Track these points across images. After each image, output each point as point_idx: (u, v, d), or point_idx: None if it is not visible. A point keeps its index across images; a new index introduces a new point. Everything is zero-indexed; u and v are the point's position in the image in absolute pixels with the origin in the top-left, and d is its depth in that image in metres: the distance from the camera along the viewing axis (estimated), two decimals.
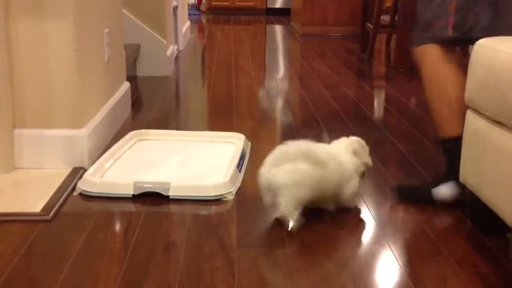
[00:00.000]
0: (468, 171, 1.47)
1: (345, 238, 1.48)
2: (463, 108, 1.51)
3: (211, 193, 1.70)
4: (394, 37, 4.62)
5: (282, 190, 1.46)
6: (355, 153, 1.62)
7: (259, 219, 1.58)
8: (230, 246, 1.42)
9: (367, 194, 1.76)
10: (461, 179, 1.52)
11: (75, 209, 1.63)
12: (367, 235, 1.51)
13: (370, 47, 4.27)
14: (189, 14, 5.93)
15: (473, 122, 1.44)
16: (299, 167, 1.48)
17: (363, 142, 1.67)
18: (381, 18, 4.27)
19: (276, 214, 1.52)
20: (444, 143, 1.67)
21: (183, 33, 4.59)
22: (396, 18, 4.40)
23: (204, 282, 1.26)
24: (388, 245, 1.45)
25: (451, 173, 1.62)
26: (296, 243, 1.45)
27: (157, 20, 3.46)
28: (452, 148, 1.62)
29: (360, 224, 1.57)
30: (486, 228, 1.51)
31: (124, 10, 3.20)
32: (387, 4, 5.77)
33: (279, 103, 2.92)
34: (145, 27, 3.43)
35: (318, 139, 2.31)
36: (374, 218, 1.60)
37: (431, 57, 1.65)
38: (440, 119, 1.66)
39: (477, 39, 1.43)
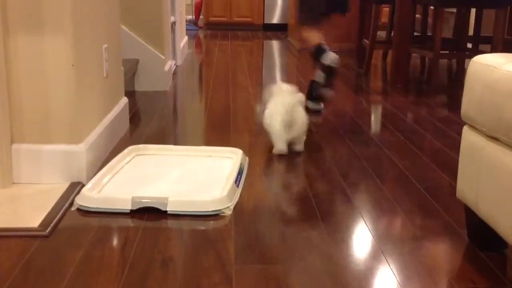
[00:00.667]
0: (464, 186, 1.48)
1: (343, 253, 1.48)
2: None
3: (209, 208, 1.70)
4: (390, 52, 4.66)
5: (299, 125, 2.27)
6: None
7: (257, 234, 1.59)
8: (228, 261, 1.42)
9: (364, 209, 1.77)
10: (458, 194, 1.53)
11: (72, 224, 1.63)
12: (365, 250, 1.51)
13: (367, 63, 4.30)
14: (187, 30, 5.96)
15: (469, 137, 1.45)
16: (304, 113, 2.31)
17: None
18: (377, 34, 4.30)
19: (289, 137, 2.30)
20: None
21: (181, 48, 4.62)
22: (392, 34, 4.44)
23: None
24: (386, 259, 1.45)
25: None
26: (293, 258, 1.45)
27: (155, 36, 3.48)
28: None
29: (358, 239, 1.57)
30: (483, 244, 1.51)
31: (122, 26, 3.22)
32: (383, 20, 5.83)
33: None
34: (143, 42, 3.45)
35: (315, 152, 2.32)
36: (371, 233, 1.60)
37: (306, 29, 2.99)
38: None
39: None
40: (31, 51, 1.81)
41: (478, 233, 1.52)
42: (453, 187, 1.97)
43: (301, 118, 2.29)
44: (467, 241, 1.57)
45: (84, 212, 1.70)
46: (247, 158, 2.20)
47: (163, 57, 3.52)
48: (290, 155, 2.28)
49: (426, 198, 1.88)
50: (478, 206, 1.40)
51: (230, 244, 1.51)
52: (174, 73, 4.15)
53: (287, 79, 4.16)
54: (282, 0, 7.49)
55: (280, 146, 2.28)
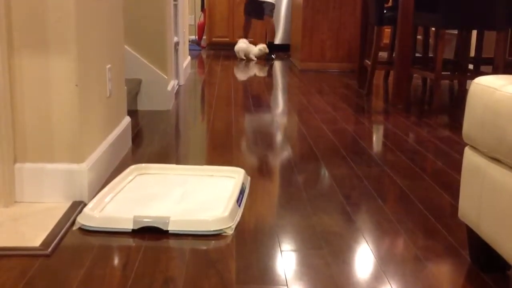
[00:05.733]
0: (466, 208, 1.48)
1: (345, 274, 1.48)
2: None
3: (211, 227, 1.70)
4: (391, 73, 4.68)
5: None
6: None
7: (258, 254, 1.58)
8: (229, 281, 1.42)
9: (366, 230, 1.76)
10: (459, 215, 1.53)
11: (74, 243, 1.63)
12: (367, 271, 1.50)
13: (368, 83, 4.32)
14: (190, 50, 6.00)
15: (471, 158, 1.45)
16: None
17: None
18: (379, 55, 4.33)
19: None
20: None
21: (183, 68, 4.65)
22: (393, 55, 4.47)
23: None
24: (388, 281, 1.44)
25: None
26: (295, 279, 1.44)
27: (158, 56, 3.51)
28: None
29: (360, 260, 1.57)
30: (485, 265, 1.51)
31: (126, 46, 3.25)
32: (384, 41, 5.86)
33: (279, 138, 2.94)
34: (146, 62, 3.48)
35: (317, 173, 2.32)
36: (373, 254, 1.60)
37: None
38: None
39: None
40: (35, 71, 1.82)
41: (480, 254, 1.51)
42: (455, 208, 1.97)
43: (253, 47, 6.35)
44: (469, 262, 1.56)
45: (86, 231, 1.70)
46: (249, 178, 2.20)
47: (166, 77, 3.54)
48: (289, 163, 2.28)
49: (428, 218, 1.88)
50: (480, 227, 1.40)
51: (232, 264, 1.51)
52: (177, 93, 4.17)
53: (289, 99, 4.18)
54: (284, 22, 7.55)
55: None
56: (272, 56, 6.60)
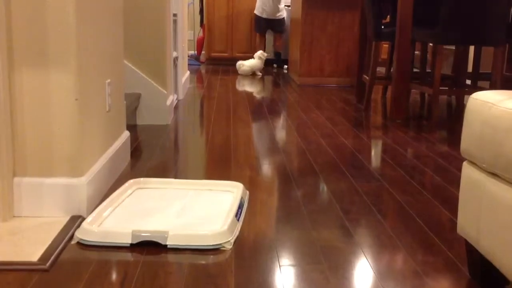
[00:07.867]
0: (465, 223, 1.48)
1: None
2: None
3: (210, 242, 1.70)
4: (389, 88, 4.70)
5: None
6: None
7: (257, 269, 1.58)
8: None
9: (365, 245, 1.76)
10: (458, 230, 1.53)
11: (72, 258, 1.62)
12: (366, 286, 1.50)
13: (367, 98, 4.34)
14: (189, 65, 6.03)
15: (469, 173, 1.46)
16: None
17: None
18: (377, 70, 4.35)
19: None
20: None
21: (182, 82, 4.66)
22: (391, 70, 4.49)
23: None
24: None
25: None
26: None
27: (157, 71, 3.53)
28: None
29: (360, 275, 1.56)
30: (484, 281, 1.51)
31: (125, 61, 3.27)
32: (382, 56, 5.90)
33: (277, 152, 2.95)
34: (145, 77, 3.49)
35: (316, 187, 2.32)
36: (373, 269, 1.60)
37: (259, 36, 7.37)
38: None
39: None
40: (35, 86, 1.83)
41: (480, 270, 1.51)
42: (454, 223, 1.97)
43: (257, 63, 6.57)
44: (469, 277, 1.56)
45: (84, 245, 1.69)
46: (247, 192, 2.20)
47: (165, 92, 3.56)
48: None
49: (427, 233, 1.87)
50: (479, 242, 1.40)
51: (231, 279, 1.51)
52: (176, 107, 4.19)
53: (288, 114, 4.19)
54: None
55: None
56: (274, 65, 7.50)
